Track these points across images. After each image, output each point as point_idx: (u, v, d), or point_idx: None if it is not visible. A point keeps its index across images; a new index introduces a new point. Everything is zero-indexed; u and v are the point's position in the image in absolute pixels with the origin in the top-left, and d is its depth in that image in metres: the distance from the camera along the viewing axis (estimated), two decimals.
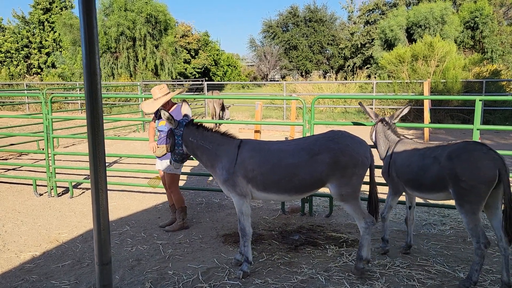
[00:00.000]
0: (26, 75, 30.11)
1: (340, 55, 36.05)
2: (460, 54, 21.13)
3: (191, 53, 35.26)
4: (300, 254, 4.33)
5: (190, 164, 8.41)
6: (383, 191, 5.70)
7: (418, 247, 4.47)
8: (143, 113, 14.34)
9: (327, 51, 38.32)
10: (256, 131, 6.90)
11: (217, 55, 39.51)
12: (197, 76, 33.91)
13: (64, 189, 6.90)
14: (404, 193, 4.16)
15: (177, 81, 25.07)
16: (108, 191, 6.80)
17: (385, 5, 32.39)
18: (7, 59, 30.32)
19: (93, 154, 1.80)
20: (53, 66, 30.32)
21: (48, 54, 30.78)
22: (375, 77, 24.39)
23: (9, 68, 29.94)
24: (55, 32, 30.18)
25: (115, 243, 4.72)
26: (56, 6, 30.92)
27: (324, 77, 31.95)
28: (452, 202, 3.69)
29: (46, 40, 30.71)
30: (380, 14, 32.48)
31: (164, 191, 5.67)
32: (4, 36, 30.75)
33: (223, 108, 13.74)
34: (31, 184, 6.88)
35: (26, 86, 23.42)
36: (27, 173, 8.07)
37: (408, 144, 4.04)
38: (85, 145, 11.06)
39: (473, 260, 3.53)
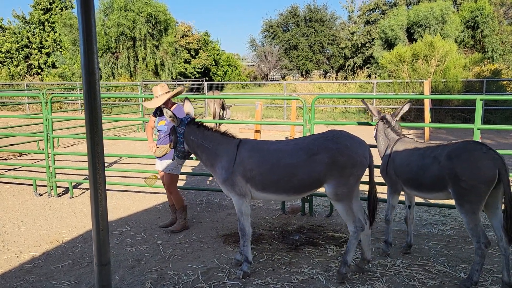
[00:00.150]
0: (26, 75, 30.11)
1: (341, 55, 36.02)
2: (460, 53, 21.11)
3: (191, 53, 35.26)
4: (301, 254, 4.32)
5: (191, 164, 8.41)
6: (383, 191, 5.68)
7: (419, 247, 4.46)
8: (143, 113, 14.34)
9: (328, 51, 38.30)
10: (257, 131, 6.89)
11: (217, 55, 39.51)
12: (197, 76, 33.90)
13: (64, 189, 6.89)
14: (403, 192, 4.15)
15: (177, 81, 25.06)
16: (108, 191, 6.77)
17: (385, 5, 32.37)
18: (7, 59, 30.33)
19: (91, 154, 1.79)
20: (53, 66, 30.33)
21: (48, 54, 30.79)
22: (375, 77, 24.36)
23: (9, 68, 29.96)
24: (55, 32, 30.19)
25: (115, 243, 4.71)
26: (56, 6, 30.93)
27: (325, 77, 31.96)
28: (452, 202, 3.67)
29: (46, 40, 30.72)
30: (380, 13, 32.46)
31: (164, 191, 5.66)
32: (4, 36, 30.76)
33: (223, 108, 13.73)
34: (31, 184, 6.88)
35: (27, 86, 23.43)
36: (27, 173, 8.07)
37: (407, 143, 4.02)
38: (85, 145, 11.05)
39: (473, 260, 3.52)
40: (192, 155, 4.22)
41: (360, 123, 5.50)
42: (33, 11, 30.78)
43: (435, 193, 3.71)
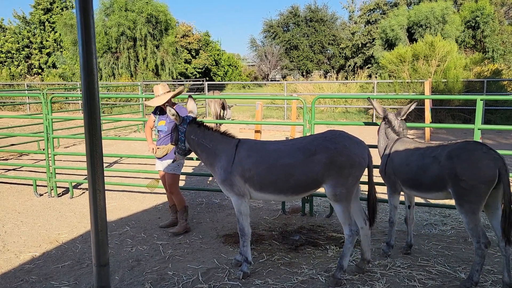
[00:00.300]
0: (27, 75, 30.13)
1: (341, 55, 36.00)
2: (461, 53, 21.10)
3: (192, 53, 35.26)
4: (301, 255, 4.31)
5: (191, 164, 8.40)
6: (383, 191, 5.67)
7: (419, 248, 4.45)
8: (143, 113, 14.34)
9: (328, 51, 38.28)
10: (257, 131, 6.88)
11: (218, 55, 39.50)
12: (198, 76, 33.91)
13: (64, 189, 6.89)
14: (403, 192, 4.14)
15: (178, 81, 25.06)
16: (109, 192, 6.79)
17: (386, 5, 32.34)
18: (8, 60, 30.36)
19: (90, 155, 1.79)
20: (54, 66, 30.34)
21: (49, 54, 30.81)
22: (376, 77, 24.35)
23: (10, 69, 29.98)
24: (56, 32, 30.21)
25: (115, 244, 4.70)
26: (57, 7, 30.96)
27: (325, 77, 31.94)
28: (453, 202, 3.67)
29: (47, 41, 30.74)
30: (381, 13, 32.44)
31: (164, 191, 5.65)
32: (5, 36, 30.78)
33: (224, 108, 13.73)
34: (32, 185, 6.87)
35: (27, 86, 23.43)
36: (27, 174, 8.07)
37: (406, 143, 4.01)
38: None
39: (474, 261, 3.52)
40: (193, 155, 4.22)
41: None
42: (34, 11, 30.80)
43: (434, 193, 3.70)
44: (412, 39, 24.66)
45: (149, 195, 6.65)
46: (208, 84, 20.47)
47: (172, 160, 4.70)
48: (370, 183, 3.77)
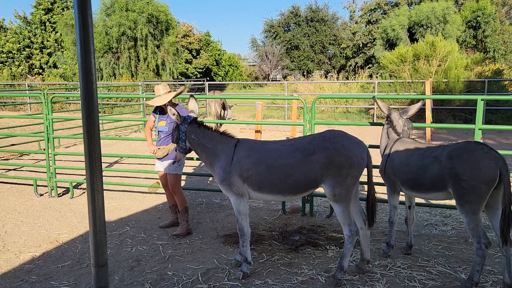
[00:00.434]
0: (28, 75, 30.15)
1: (342, 55, 35.98)
2: (462, 53, 21.08)
3: (193, 53, 35.27)
4: (301, 255, 4.31)
5: (191, 164, 8.40)
6: (384, 191, 5.67)
7: (420, 248, 4.44)
8: (144, 113, 14.35)
9: (329, 51, 38.26)
10: (257, 131, 6.88)
11: (219, 55, 39.51)
12: (198, 76, 33.92)
13: (65, 189, 6.89)
14: (403, 193, 4.13)
15: (179, 81, 25.07)
16: (109, 192, 6.78)
17: (387, 5, 32.32)
18: (9, 60, 30.39)
19: (88, 155, 1.78)
20: (55, 66, 30.37)
21: (49, 54, 30.84)
22: (376, 77, 24.34)
23: (11, 69, 30.00)
24: (57, 32, 30.24)
25: (115, 244, 4.70)
26: (58, 7, 30.99)
27: (326, 77, 31.91)
28: (453, 202, 3.66)
29: (47, 41, 30.76)
30: (382, 13, 32.41)
31: (164, 191, 5.64)
32: (6, 36, 30.81)
33: (224, 108, 13.72)
34: (32, 185, 6.87)
35: (28, 86, 23.45)
36: (28, 174, 8.07)
37: (406, 143, 4.00)
38: None
39: (474, 261, 3.51)
40: (193, 155, 4.22)
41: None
42: (35, 11, 30.83)
43: (434, 193, 3.69)
44: (413, 39, 24.63)
45: (149, 195, 6.64)
46: (208, 84, 20.47)
47: (172, 161, 4.69)
48: (370, 184, 3.76)
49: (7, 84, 25.46)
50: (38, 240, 4.87)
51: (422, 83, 15.29)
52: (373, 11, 33.37)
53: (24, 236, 5.00)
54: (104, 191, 6.01)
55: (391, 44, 25.52)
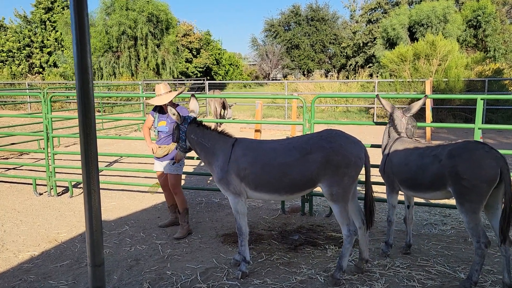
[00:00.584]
0: (28, 74, 30.14)
1: (342, 54, 35.96)
2: (462, 52, 21.04)
3: (193, 52, 35.26)
4: (300, 254, 4.30)
5: (190, 164, 8.39)
6: (383, 191, 5.66)
7: (419, 247, 4.44)
8: (144, 112, 14.34)
9: (329, 50, 38.24)
10: (257, 131, 6.87)
11: (219, 54, 39.50)
12: (198, 75, 33.90)
13: (64, 188, 6.89)
14: (402, 192, 4.12)
15: (179, 80, 25.06)
16: (108, 191, 6.76)
17: (387, 4, 32.28)
18: (9, 59, 30.36)
19: (85, 154, 1.77)
20: (55, 65, 30.36)
21: (49, 53, 30.82)
22: (377, 76, 24.32)
23: (11, 68, 29.98)
24: (57, 31, 30.22)
25: (114, 243, 4.70)
26: (58, 6, 30.96)
27: (326, 76, 31.88)
28: (453, 202, 3.65)
29: (47, 40, 30.75)
30: (382, 12, 32.38)
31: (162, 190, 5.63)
32: (6, 35, 30.79)
33: (224, 107, 13.71)
34: (31, 184, 6.87)
35: (28, 85, 23.44)
36: (27, 173, 8.07)
37: (406, 142, 3.99)
38: None
39: (473, 260, 3.50)
40: (193, 154, 4.22)
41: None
42: (35, 10, 30.82)
43: (433, 193, 3.68)
44: (413, 38, 24.60)
45: (149, 195, 6.64)
46: (209, 83, 20.45)
47: (172, 161, 4.67)
48: (367, 184, 3.75)
49: (7, 83, 25.46)
50: (37, 239, 4.87)
51: (422, 83, 15.26)
52: (373, 10, 33.33)
53: (23, 235, 4.99)
54: (103, 190, 6.02)
55: (391, 43, 25.49)
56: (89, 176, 1.77)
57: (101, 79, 26.16)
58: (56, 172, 6.80)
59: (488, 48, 24.76)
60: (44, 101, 6.48)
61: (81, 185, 7.15)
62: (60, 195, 6.64)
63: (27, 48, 30.62)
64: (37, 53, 30.64)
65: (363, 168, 3.70)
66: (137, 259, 4.26)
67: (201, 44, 36.44)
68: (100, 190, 6.56)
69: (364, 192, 3.84)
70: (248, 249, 3.87)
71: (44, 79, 27.95)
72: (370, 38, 32.19)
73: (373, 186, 3.92)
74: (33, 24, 31.18)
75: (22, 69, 30.27)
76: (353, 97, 17.72)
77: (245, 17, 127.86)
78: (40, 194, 6.68)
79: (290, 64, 38.56)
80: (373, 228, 4.59)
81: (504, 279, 3.43)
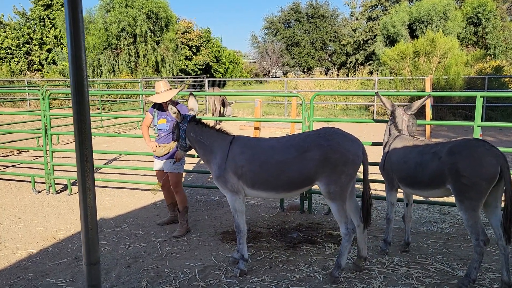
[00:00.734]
0: (27, 71, 30.10)
1: (342, 52, 35.90)
2: (462, 50, 21.00)
3: (193, 49, 35.18)
4: (298, 252, 4.29)
5: (189, 162, 8.38)
6: (383, 188, 5.65)
7: (417, 245, 4.43)
8: (143, 110, 14.31)
9: (329, 48, 38.18)
10: (256, 128, 6.85)
11: (219, 51, 39.41)
12: (198, 73, 33.85)
13: (63, 186, 6.88)
14: (401, 190, 4.11)
15: (178, 78, 25.02)
16: (107, 189, 6.74)
17: (387, 1, 32.19)
18: (8, 56, 30.31)
19: (79, 152, 1.75)
20: (54, 62, 30.31)
21: (49, 50, 30.76)
22: (377, 74, 24.28)
23: (10, 65, 29.93)
24: (56, 28, 30.17)
25: (113, 241, 4.69)
26: (57, 2, 30.87)
27: (326, 74, 31.83)
28: (452, 200, 3.63)
29: (47, 37, 30.67)
30: (382, 10, 32.30)
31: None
32: (5, 32, 30.73)
33: (224, 105, 13.68)
34: (30, 181, 6.86)
35: (27, 82, 23.40)
36: (26, 170, 8.05)
37: (405, 140, 3.98)
38: None
39: (472, 258, 3.49)
40: (193, 153, 4.21)
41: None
42: (34, 7, 30.74)
43: (432, 190, 3.67)
44: (413, 35, 24.55)
45: (148, 192, 6.62)
46: (208, 81, 20.41)
47: (173, 160, 4.64)
48: (365, 182, 3.74)
49: (6, 81, 25.42)
50: (35, 237, 4.86)
51: (422, 80, 15.24)
52: (373, 8, 33.26)
53: (22, 233, 4.99)
54: (102, 188, 5.99)
55: (391, 41, 25.43)
56: (84, 174, 1.75)
57: (100, 76, 26.12)
58: (55, 170, 6.79)
59: (488, 46, 24.71)
60: (43, 98, 6.47)
61: None
62: (58, 192, 6.63)
63: (26, 45, 30.55)
64: (36, 50, 30.58)
65: (361, 166, 3.69)
66: (136, 257, 4.25)
67: (201, 42, 36.36)
68: (99, 188, 6.57)
69: (361, 190, 3.83)
70: (246, 247, 3.86)
71: (43, 77, 27.92)
72: (370, 35, 32.13)
73: (371, 184, 3.91)
74: (32, 21, 31.11)
75: (21, 66, 30.22)
76: (352, 95, 17.70)
77: (245, 14, 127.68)
78: (39, 191, 6.68)
79: (290, 62, 38.49)
80: (371, 226, 4.59)
81: (503, 277, 3.42)
